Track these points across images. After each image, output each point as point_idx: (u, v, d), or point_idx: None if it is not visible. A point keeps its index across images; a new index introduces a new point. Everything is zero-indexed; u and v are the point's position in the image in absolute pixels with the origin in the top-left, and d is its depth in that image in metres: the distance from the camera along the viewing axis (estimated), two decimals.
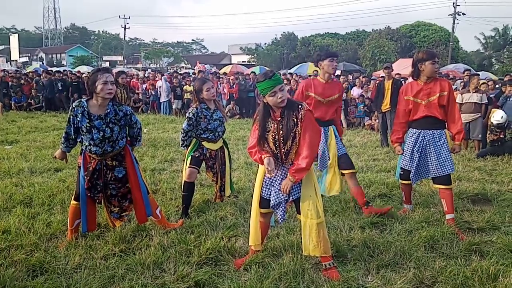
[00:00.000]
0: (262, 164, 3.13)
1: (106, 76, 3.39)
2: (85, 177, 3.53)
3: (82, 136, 3.50)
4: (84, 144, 3.52)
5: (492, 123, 7.71)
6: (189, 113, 4.38)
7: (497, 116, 7.69)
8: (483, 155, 7.51)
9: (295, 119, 3.05)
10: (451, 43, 33.60)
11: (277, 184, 3.18)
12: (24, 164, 6.52)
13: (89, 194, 3.58)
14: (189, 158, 4.43)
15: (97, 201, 3.68)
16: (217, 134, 4.48)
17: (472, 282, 2.97)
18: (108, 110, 3.50)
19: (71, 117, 3.48)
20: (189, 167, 4.40)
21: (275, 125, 3.09)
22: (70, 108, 3.51)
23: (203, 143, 4.45)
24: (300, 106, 3.08)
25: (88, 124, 3.42)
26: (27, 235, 3.71)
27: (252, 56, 41.41)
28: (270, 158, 3.08)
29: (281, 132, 3.07)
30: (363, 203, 4.41)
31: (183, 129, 4.38)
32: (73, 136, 3.56)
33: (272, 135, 3.10)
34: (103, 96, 3.41)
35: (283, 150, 3.12)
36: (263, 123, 3.12)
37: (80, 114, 3.42)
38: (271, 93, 3.00)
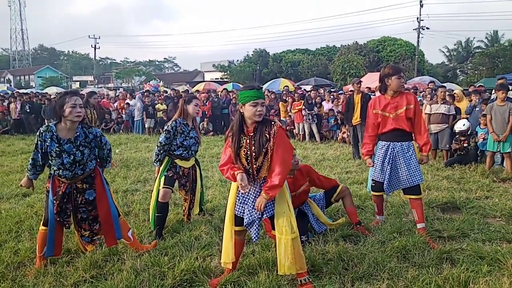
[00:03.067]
0: (235, 181, 3.12)
1: (74, 99, 3.36)
2: (54, 202, 3.44)
3: (51, 161, 3.42)
4: (53, 168, 3.43)
5: (455, 131, 7.97)
6: (167, 126, 4.36)
7: (459, 123, 8.02)
8: (451, 164, 7.74)
9: (267, 135, 3.06)
10: (416, 56, 34.65)
11: (250, 202, 3.17)
12: None
13: (58, 219, 3.48)
14: (163, 178, 4.39)
15: (66, 225, 3.58)
16: (191, 152, 4.48)
17: None
18: (78, 133, 3.45)
19: (39, 142, 3.40)
20: (163, 187, 4.36)
21: (247, 140, 3.10)
22: (38, 133, 3.43)
23: (176, 161, 4.43)
24: (273, 123, 3.11)
25: (58, 149, 3.35)
26: None
27: (225, 73, 41.55)
28: (243, 174, 3.08)
29: (253, 147, 3.08)
30: (356, 222, 4.40)
31: (159, 142, 4.33)
32: (40, 162, 3.47)
33: (244, 151, 3.10)
34: (72, 119, 3.37)
35: (254, 166, 3.12)
36: (238, 136, 3.11)
37: (49, 139, 3.36)
38: (253, 103, 3.01)
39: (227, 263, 3.30)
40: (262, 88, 3.10)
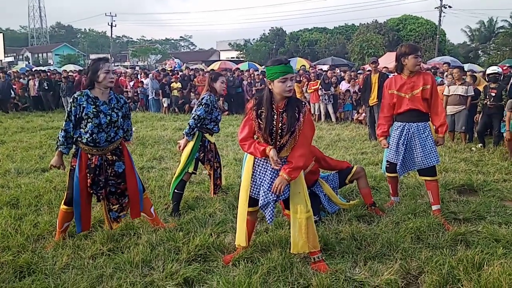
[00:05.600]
0: (261, 156, 3.04)
1: (108, 65, 3.47)
2: (87, 175, 3.49)
3: (85, 126, 3.41)
4: (86, 136, 3.41)
5: (487, 75, 7.80)
6: (206, 100, 4.37)
7: (493, 67, 7.90)
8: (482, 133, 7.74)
9: (297, 114, 2.99)
10: (437, 36, 33.81)
11: (266, 183, 3.11)
12: (11, 165, 6.46)
13: (91, 191, 3.55)
14: (193, 160, 4.45)
15: (100, 197, 3.63)
16: (218, 127, 4.59)
17: (457, 272, 3.01)
18: (111, 97, 3.57)
19: (73, 108, 3.43)
20: (193, 172, 4.50)
21: (275, 116, 3.01)
22: (71, 100, 3.46)
23: (205, 135, 4.49)
24: (303, 103, 3.07)
25: (94, 110, 3.43)
26: (14, 236, 3.68)
27: (241, 52, 41.28)
28: (275, 150, 2.99)
29: (280, 124, 3.00)
30: (371, 203, 4.38)
31: (197, 115, 4.32)
32: (71, 134, 3.48)
33: (270, 126, 3.02)
34: (105, 84, 3.47)
35: (278, 143, 3.04)
36: (270, 111, 3.00)
37: (85, 102, 3.43)
38: (282, 79, 2.90)
39: (240, 245, 3.32)
40: (289, 61, 3.02)
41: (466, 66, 16.80)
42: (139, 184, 3.75)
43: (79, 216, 3.57)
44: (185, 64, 26.46)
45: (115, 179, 3.62)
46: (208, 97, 4.39)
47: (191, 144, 4.41)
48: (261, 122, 3.03)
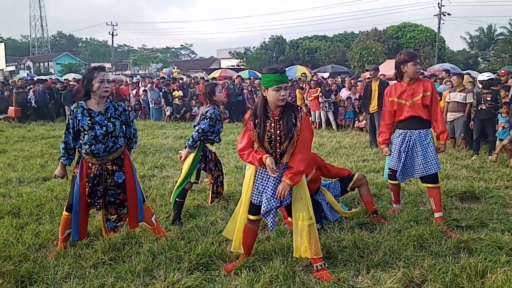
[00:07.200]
0: (259, 165, 3.06)
1: (102, 74, 3.44)
2: (86, 184, 3.49)
3: (83, 138, 3.42)
4: (85, 146, 3.44)
5: (481, 82, 7.73)
6: (211, 113, 4.37)
7: (487, 73, 7.85)
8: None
9: (294, 120, 3.01)
10: (437, 43, 33.94)
11: (270, 189, 3.12)
12: (12, 174, 6.46)
13: (89, 201, 3.54)
14: (195, 171, 4.45)
15: (97, 207, 3.64)
16: (220, 138, 4.63)
17: (460, 280, 3.00)
18: (107, 106, 3.53)
19: (70, 121, 3.46)
20: (194, 182, 4.50)
21: (272, 124, 3.03)
22: (69, 113, 3.48)
23: (207, 145, 4.49)
24: (299, 108, 3.09)
25: (89, 121, 3.41)
26: (15, 245, 3.66)
27: (241, 60, 41.42)
28: (272, 158, 3.01)
29: (278, 131, 3.02)
30: (373, 211, 4.37)
31: (202, 129, 4.33)
32: (71, 145, 3.50)
33: (268, 135, 3.03)
34: (100, 94, 3.44)
35: (278, 150, 3.06)
36: (264, 120, 3.04)
37: (80, 114, 3.42)
38: (276, 88, 2.94)
39: (242, 253, 3.34)
40: (285, 71, 3.04)
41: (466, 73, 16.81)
42: (140, 194, 3.72)
43: (76, 224, 3.56)
44: (174, 69, 26.53)
45: (115, 190, 3.60)
46: (213, 110, 4.40)
47: (192, 154, 4.41)
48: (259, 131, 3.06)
